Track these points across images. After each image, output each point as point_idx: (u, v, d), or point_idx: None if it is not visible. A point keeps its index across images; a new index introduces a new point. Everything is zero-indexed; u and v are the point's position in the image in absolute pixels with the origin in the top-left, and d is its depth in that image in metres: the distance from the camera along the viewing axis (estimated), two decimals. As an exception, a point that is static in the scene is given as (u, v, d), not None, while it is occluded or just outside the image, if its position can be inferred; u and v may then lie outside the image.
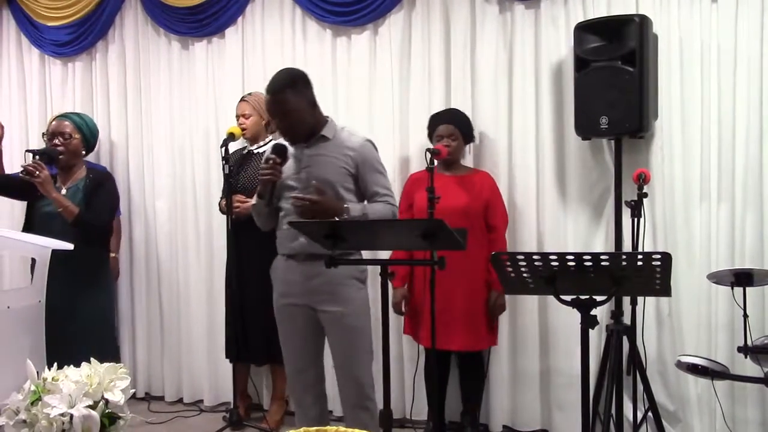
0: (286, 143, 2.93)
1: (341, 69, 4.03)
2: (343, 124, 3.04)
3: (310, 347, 2.99)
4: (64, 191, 3.43)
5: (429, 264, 3.02)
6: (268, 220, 3.01)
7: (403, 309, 3.61)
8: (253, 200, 2.99)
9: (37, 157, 3.37)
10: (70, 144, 3.47)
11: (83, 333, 3.33)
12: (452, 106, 3.76)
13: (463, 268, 3.36)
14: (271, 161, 2.82)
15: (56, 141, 3.45)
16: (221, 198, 4.03)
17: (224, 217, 3.89)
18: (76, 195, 3.42)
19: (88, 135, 3.58)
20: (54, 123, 3.59)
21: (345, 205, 2.79)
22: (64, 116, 3.60)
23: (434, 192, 3.13)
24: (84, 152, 3.59)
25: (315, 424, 2.72)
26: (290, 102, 2.81)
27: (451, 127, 3.54)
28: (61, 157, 3.44)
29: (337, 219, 2.66)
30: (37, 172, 3.24)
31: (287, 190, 2.89)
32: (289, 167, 2.90)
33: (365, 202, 2.91)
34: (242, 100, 3.95)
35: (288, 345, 3.01)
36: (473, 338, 3.50)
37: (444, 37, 3.83)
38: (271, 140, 4.00)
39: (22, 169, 3.28)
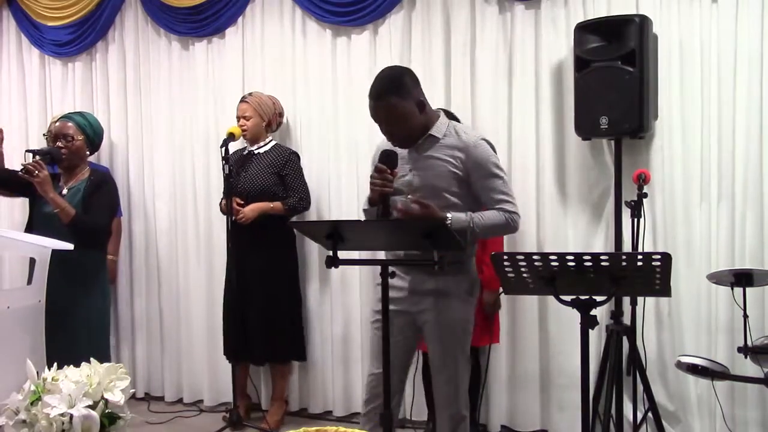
0: (393, 148, 2.63)
1: (341, 69, 4.03)
2: (464, 121, 2.83)
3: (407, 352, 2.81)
4: (65, 191, 3.43)
5: (429, 264, 3.00)
6: None
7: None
8: (365, 205, 2.74)
9: (38, 157, 3.37)
10: (73, 146, 3.46)
11: (77, 336, 3.32)
12: (452, 107, 3.76)
13: None
14: (380, 171, 2.50)
15: (59, 143, 3.45)
16: (222, 199, 4.03)
17: (224, 217, 3.90)
18: (76, 195, 3.41)
19: (92, 135, 3.57)
20: (57, 124, 3.59)
21: (447, 215, 2.54)
22: (68, 117, 3.59)
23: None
24: (88, 152, 3.59)
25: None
26: (397, 108, 2.56)
27: None
28: (63, 158, 3.44)
29: (337, 220, 2.64)
30: (37, 172, 3.24)
31: (395, 195, 2.60)
32: (398, 169, 2.62)
33: (471, 213, 2.60)
34: (243, 100, 3.94)
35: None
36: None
37: (444, 38, 3.83)
38: (271, 140, 4.01)
39: (21, 167, 3.28)
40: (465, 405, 2.73)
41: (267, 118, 3.93)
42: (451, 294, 2.66)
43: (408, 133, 2.63)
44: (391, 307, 2.61)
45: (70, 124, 3.50)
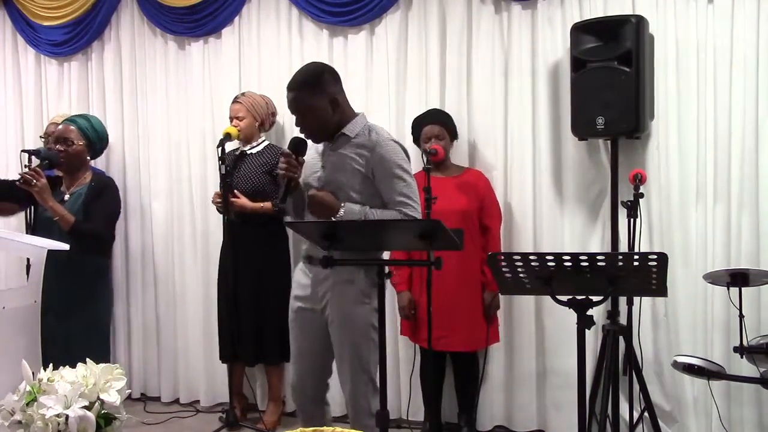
0: (304, 138, 2.73)
1: (338, 69, 3.97)
2: (375, 122, 2.84)
3: (317, 352, 2.79)
4: (67, 197, 3.40)
5: (426, 264, 3.01)
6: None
7: (410, 312, 3.57)
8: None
9: (34, 158, 3.34)
10: (72, 150, 3.42)
11: (75, 340, 3.31)
12: (448, 106, 3.77)
13: (458, 269, 3.38)
14: (286, 156, 2.61)
15: (59, 146, 3.41)
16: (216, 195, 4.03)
17: (220, 217, 3.90)
18: (77, 201, 3.38)
19: (95, 140, 3.52)
20: (60, 127, 3.54)
21: (341, 205, 2.60)
22: (71, 120, 3.54)
23: (431, 192, 3.13)
24: (89, 157, 3.55)
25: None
26: (307, 102, 2.64)
27: (438, 128, 3.55)
28: (61, 161, 3.40)
29: (335, 220, 2.62)
30: (35, 181, 3.20)
31: (309, 190, 2.70)
32: (312, 165, 2.74)
33: (367, 207, 2.63)
34: (235, 101, 3.94)
35: (295, 348, 2.86)
36: (469, 338, 3.52)
37: (440, 37, 3.83)
38: (264, 140, 4.01)
39: (19, 177, 3.24)
40: (366, 396, 2.69)
41: (260, 118, 3.93)
42: (348, 290, 2.68)
43: (318, 127, 2.70)
44: (299, 304, 2.79)
45: (72, 127, 3.46)
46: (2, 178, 3.66)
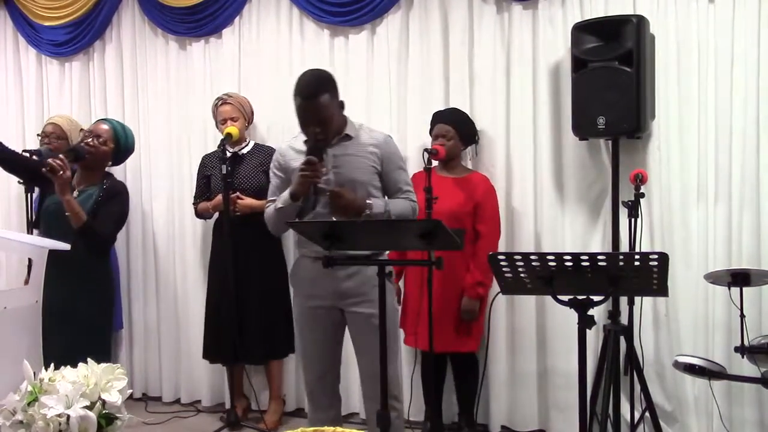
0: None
1: (339, 69, 4.01)
2: (358, 120, 2.94)
3: (334, 350, 2.93)
4: (75, 193, 3.39)
5: (426, 264, 3.02)
6: (286, 226, 2.82)
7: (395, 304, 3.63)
8: (279, 203, 2.77)
9: (71, 152, 3.32)
10: (100, 149, 3.39)
11: (78, 340, 3.30)
12: (450, 106, 3.76)
13: (440, 271, 3.29)
14: (311, 163, 2.62)
15: (90, 141, 3.39)
16: (195, 201, 4.05)
17: (220, 217, 3.89)
18: (87, 201, 3.37)
19: (123, 149, 3.49)
20: (95, 123, 3.54)
21: (368, 201, 2.73)
22: (108, 121, 3.53)
23: (432, 192, 3.13)
24: (111, 163, 3.54)
25: (330, 425, 2.64)
26: (328, 107, 2.68)
27: (446, 127, 3.54)
28: (86, 156, 3.38)
29: (336, 220, 2.65)
30: (61, 172, 3.17)
31: (317, 194, 2.74)
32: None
33: (386, 198, 2.86)
34: (225, 102, 3.92)
35: (312, 347, 2.92)
36: (440, 341, 3.43)
37: (442, 38, 3.84)
38: (250, 140, 4.02)
39: (46, 165, 3.20)
40: (395, 395, 2.79)
41: (248, 117, 3.95)
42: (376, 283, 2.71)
43: (332, 131, 2.76)
44: (311, 302, 2.85)
45: (106, 127, 3.43)
46: (26, 155, 3.62)
